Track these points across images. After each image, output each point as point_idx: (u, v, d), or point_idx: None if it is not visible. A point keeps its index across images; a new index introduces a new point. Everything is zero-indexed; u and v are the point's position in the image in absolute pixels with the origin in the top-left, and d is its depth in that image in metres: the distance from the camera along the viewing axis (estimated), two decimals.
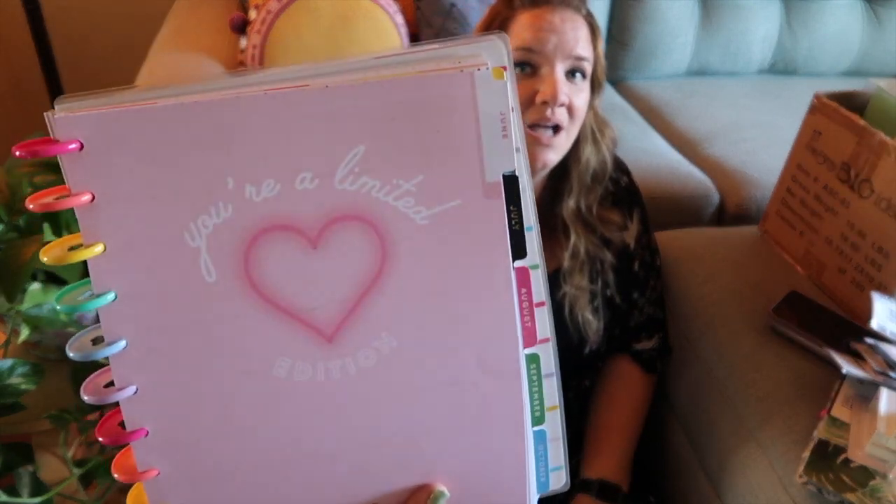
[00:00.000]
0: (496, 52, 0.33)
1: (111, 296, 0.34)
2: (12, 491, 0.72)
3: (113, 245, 0.34)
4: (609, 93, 1.87)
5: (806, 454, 0.75)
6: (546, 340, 0.39)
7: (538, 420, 0.40)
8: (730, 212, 1.44)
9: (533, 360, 0.39)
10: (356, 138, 0.33)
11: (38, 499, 0.72)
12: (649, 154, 1.52)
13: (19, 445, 0.81)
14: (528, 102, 0.79)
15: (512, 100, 0.34)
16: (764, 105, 1.80)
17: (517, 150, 0.34)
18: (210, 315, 0.35)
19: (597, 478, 0.91)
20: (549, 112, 0.78)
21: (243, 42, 1.35)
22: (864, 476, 0.72)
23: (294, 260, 0.34)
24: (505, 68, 0.33)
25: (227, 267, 0.34)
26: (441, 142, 0.33)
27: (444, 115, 0.33)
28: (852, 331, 0.90)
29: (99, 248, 0.34)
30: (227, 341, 0.35)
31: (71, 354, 0.36)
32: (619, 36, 1.90)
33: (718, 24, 1.93)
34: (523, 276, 0.36)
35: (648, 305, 1.01)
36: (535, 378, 0.39)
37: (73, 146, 0.32)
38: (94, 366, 0.79)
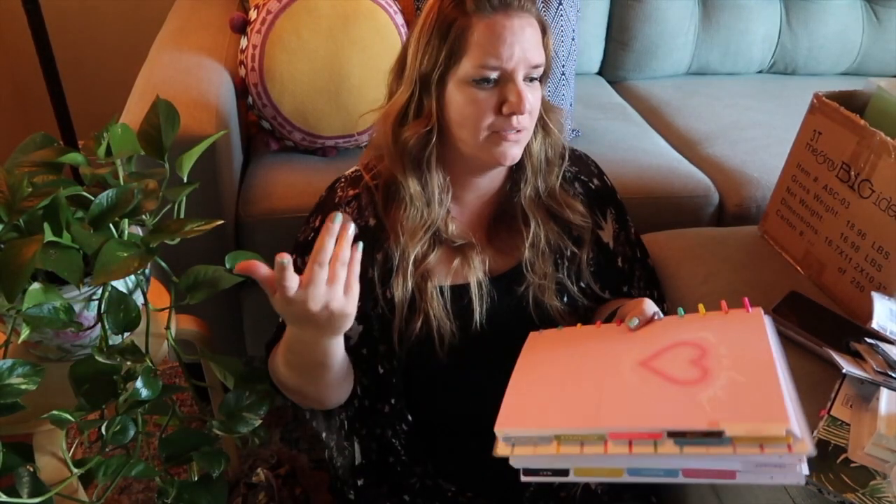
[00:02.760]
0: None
1: None
2: (12, 491, 0.72)
3: None
4: (609, 93, 1.87)
5: None
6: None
7: None
8: (730, 212, 1.44)
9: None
10: None
11: (38, 499, 0.72)
12: (649, 154, 1.52)
13: (19, 445, 0.81)
14: (494, 112, 0.82)
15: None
16: (764, 105, 1.80)
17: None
18: None
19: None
20: (514, 121, 0.82)
21: (243, 42, 1.35)
22: (865, 476, 0.72)
23: (682, 359, 0.68)
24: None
25: None
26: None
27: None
28: (852, 331, 0.90)
29: None
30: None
31: None
32: (619, 36, 1.90)
33: (718, 24, 1.93)
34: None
35: (640, 291, 1.02)
36: None
37: None
38: (91, 367, 0.79)
